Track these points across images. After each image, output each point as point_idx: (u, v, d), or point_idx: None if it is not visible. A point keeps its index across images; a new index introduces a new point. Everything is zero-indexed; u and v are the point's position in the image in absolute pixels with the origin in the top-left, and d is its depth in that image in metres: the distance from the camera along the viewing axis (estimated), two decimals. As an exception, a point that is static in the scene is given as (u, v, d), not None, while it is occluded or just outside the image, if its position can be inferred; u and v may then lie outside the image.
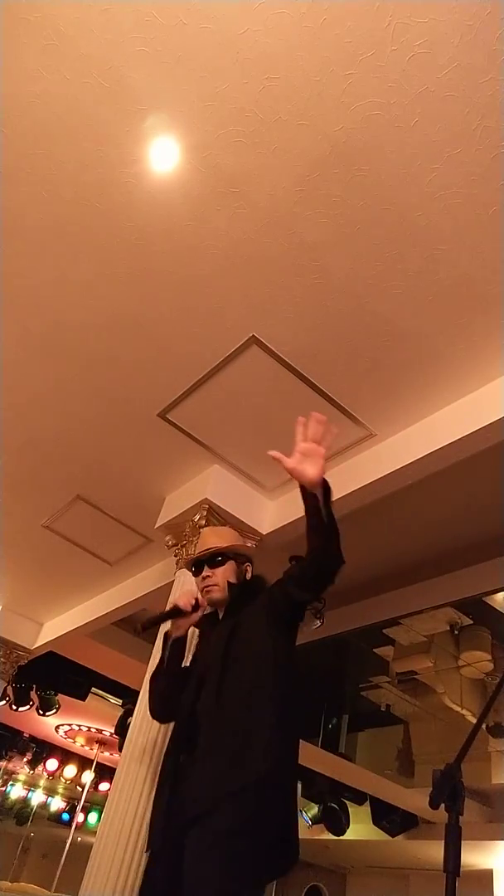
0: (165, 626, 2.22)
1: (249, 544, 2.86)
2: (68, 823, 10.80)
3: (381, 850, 8.47)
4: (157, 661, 2.18)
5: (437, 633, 5.57)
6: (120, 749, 4.55)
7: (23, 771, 10.67)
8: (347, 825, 8.07)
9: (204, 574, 2.17)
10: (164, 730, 2.82)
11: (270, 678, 1.82)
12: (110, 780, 3.84)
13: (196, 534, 3.34)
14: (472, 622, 5.40)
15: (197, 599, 2.12)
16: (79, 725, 8.61)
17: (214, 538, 2.29)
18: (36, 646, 5.87)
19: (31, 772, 10.29)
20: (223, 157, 2.10)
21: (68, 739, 9.20)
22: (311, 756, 6.66)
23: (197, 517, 3.35)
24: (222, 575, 2.15)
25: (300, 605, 1.97)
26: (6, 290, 2.76)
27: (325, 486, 1.72)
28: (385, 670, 6.38)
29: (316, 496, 1.71)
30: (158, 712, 2.21)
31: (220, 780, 1.65)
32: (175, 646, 2.12)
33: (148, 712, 2.87)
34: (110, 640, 5.61)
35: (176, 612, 2.10)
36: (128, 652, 5.61)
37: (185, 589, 2.13)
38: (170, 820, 1.74)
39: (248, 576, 2.22)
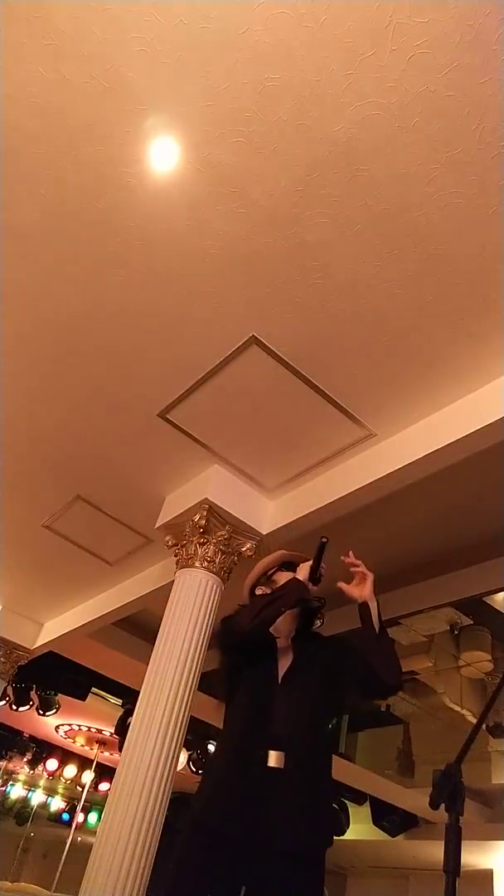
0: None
1: None
2: (68, 823, 10.79)
3: (381, 850, 8.48)
4: (282, 593, 2.05)
5: (437, 633, 5.57)
6: (120, 749, 4.55)
7: (23, 771, 10.66)
8: (347, 825, 8.07)
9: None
10: (164, 730, 2.82)
11: (332, 746, 2.03)
12: (110, 780, 3.83)
13: (196, 533, 3.34)
14: (472, 622, 5.40)
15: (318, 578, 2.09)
16: (79, 725, 8.60)
17: None
18: (36, 646, 5.87)
19: (31, 772, 10.28)
20: (223, 157, 2.10)
21: (68, 739, 9.20)
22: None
23: (197, 517, 3.35)
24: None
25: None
26: (6, 291, 2.76)
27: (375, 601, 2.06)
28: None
29: (368, 609, 2.02)
30: (256, 630, 2.01)
31: (316, 836, 1.81)
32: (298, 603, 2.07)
33: (147, 711, 2.88)
34: (110, 640, 5.61)
35: (317, 568, 2.05)
36: (128, 652, 5.61)
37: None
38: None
39: None
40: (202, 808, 1.83)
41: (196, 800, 1.89)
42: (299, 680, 1.96)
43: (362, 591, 2.04)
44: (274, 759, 1.80)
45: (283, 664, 2.00)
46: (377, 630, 2.00)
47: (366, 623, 2.01)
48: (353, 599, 2.06)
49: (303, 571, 2.07)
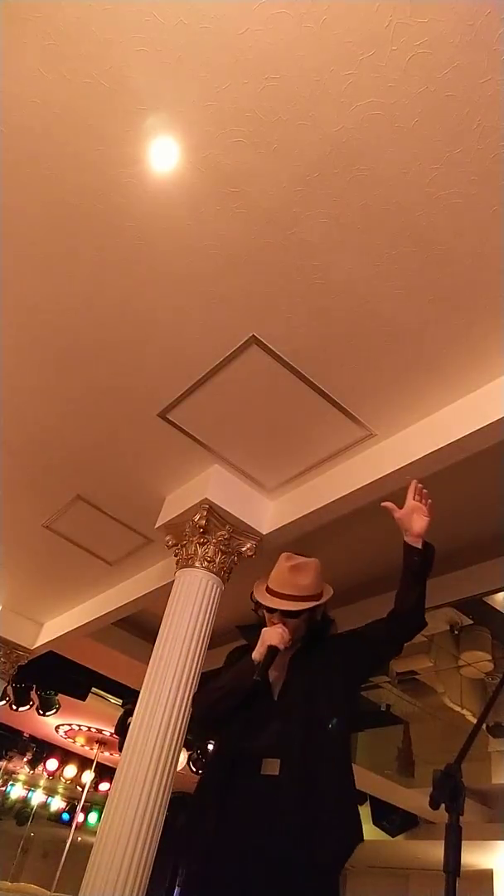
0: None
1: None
2: (68, 823, 10.79)
3: (381, 850, 8.47)
4: (237, 677, 1.94)
5: (437, 633, 5.58)
6: (120, 749, 4.55)
7: (23, 771, 10.66)
8: (347, 825, 8.07)
9: (285, 623, 1.99)
10: (164, 730, 2.82)
11: (346, 746, 1.96)
12: (110, 780, 3.84)
13: (196, 533, 3.34)
14: (472, 622, 5.41)
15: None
16: (79, 725, 8.60)
17: (305, 579, 2.06)
18: (36, 646, 5.87)
19: (31, 772, 10.27)
20: (223, 157, 2.10)
21: (68, 739, 9.19)
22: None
23: (197, 517, 3.35)
24: (305, 622, 2.03)
25: (381, 665, 2.08)
26: (6, 291, 2.76)
27: (427, 544, 2.01)
28: (385, 670, 6.38)
29: (415, 553, 2.00)
30: (213, 726, 2.12)
31: (323, 842, 1.72)
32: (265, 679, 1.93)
33: (147, 711, 2.88)
34: (110, 640, 5.61)
35: (275, 652, 1.92)
36: (128, 652, 5.62)
37: (272, 630, 1.95)
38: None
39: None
40: (204, 821, 1.82)
41: (190, 811, 1.89)
42: (296, 686, 1.93)
43: (417, 524, 1.99)
44: (268, 766, 1.78)
45: (280, 678, 1.96)
46: (422, 577, 2.04)
47: (428, 565, 2.00)
48: (407, 531, 2.00)
49: (258, 651, 1.91)
